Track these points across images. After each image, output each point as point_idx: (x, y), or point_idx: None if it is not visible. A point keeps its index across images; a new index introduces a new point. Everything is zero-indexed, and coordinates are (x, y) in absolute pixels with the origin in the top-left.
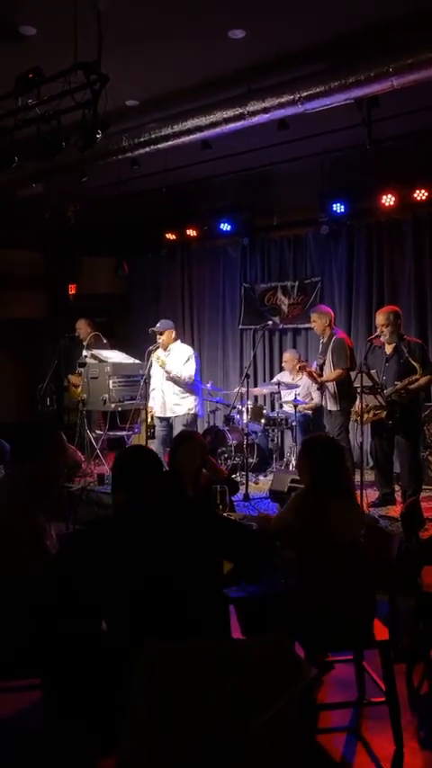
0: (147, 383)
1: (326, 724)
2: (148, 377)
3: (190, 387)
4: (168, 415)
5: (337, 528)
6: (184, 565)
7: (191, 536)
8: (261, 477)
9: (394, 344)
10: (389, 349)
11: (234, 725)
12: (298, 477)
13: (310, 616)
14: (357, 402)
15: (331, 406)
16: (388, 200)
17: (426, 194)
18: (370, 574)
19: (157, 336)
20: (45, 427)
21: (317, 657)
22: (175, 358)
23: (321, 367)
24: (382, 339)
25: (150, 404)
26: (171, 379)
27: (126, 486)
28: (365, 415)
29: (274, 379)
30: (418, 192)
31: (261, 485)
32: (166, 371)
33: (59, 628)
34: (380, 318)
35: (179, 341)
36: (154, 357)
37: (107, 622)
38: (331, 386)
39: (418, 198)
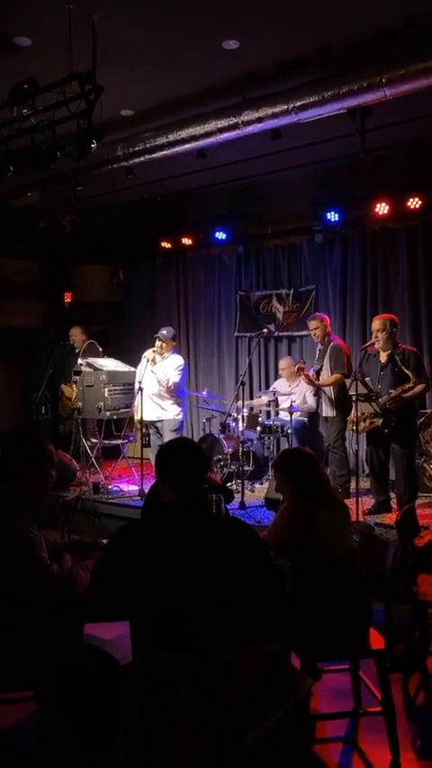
0: (141, 390)
1: (322, 734)
2: (140, 383)
3: (176, 394)
4: (154, 418)
5: (327, 536)
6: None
7: (229, 548)
8: (257, 485)
9: (389, 352)
10: (383, 357)
11: (230, 737)
12: None
13: (306, 626)
14: (353, 410)
15: (328, 412)
16: (381, 208)
17: (419, 203)
18: (365, 582)
19: (157, 342)
20: (33, 440)
21: (312, 667)
22: (167, 364)
23: (318, 373)
24: (376, 346)
25: (136, 403)
26: (157, 381)
27: (173, 484)
28: (362, 424)
29: (271, 387)
30: (411, 200)
31: (257, 492)
32: (153, 371)
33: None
34: (376, 324)
35: (174, 350)
36: (148, 353)
37: (133, 631)
38: (328, 391)
39: (412, 206)
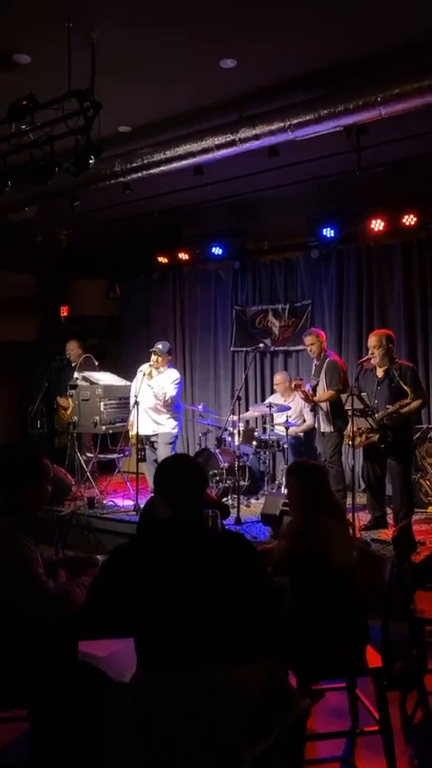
0: (137, 404)
1: (319, 754)
2: (137, 397)
3: (173, 408)
4: (149, 432)
5: (336, 546)
6: (216, 592)
7: (227, 565)
8: (253, 500)
9: (385, 368)
10: (380, 372)
11: (226, 756)
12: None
13: (303, 642)
14: (349, 425)
15: (324, 427)
16: (377, 224)
17: (414, 219)
18: (363, 598)
19: (153, 356)
20: (29, 455)
21: (309, 686)
22: (164, 378)
23: (315, 388)
24: (372, 362)
25: (131, 418)
26: (154, 395)
27: (171, 501)
28: (358, 439)
29: (266, 401)
30: (406, 217)
31: (253, 508)
32: (149, 385)
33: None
34: (372, 340)
35: (170, 365)
36: (144, 368)
37: (137, 647)
38: (324, 407)
39: (407, 223)
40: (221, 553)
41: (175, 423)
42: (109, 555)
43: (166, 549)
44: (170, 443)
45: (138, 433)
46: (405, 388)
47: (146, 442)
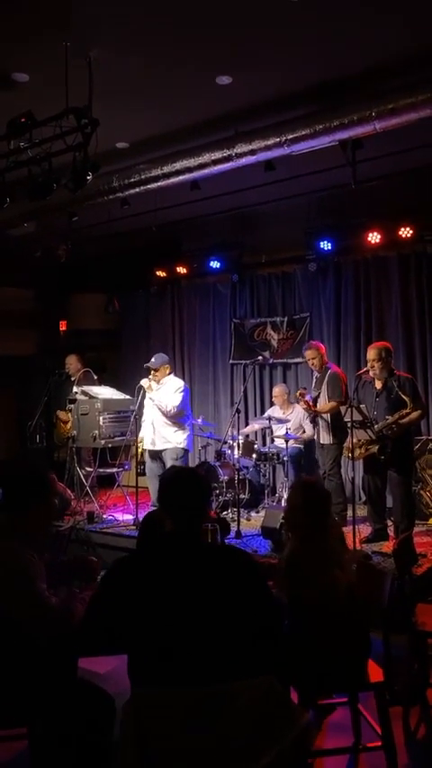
0: (137, 419)
1: None
2: (140, 412)
3: (179, 420)
4: (158, 447)
5: (335, 572)
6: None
7: (226, 579)
8: (253, 514)
9: (384, 380)
10: (378, 384)
11: None
12: None
13: (303, 658)
14: (348, 437)
15: (324, 439)
16: (374, 237)
17: (410, 232)
18: (364, 613)
19: (152, 372)
20: (36, 473)
21: (314, 701)
22: (165, 390)
23: (315, 400)
24: (371, 374)
25: (141, 434)
26: (159, 409)
27: (171, 513)
28: (358, 451)
29: (265, 414)
30: (402, 229)
31: (253, 521)
32: (151, 398)
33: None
34: (371, 353)
35: (172, 374)
36: (143, 382)
37: (130, 663)
38: (325, 418)
39: (403, 235)
40: (221, 567)
41: (184, 437)
42: (107, 569)
43: (164, 562)
44: (177, 459)
45: (142, 448)
46: (404, 398)
47: (155, 457)
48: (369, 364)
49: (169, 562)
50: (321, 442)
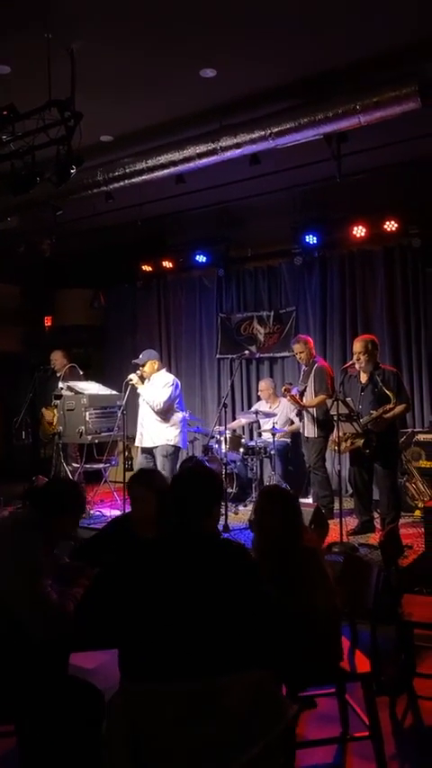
0: (124, 414)
1: (310, 761)
2: (126, 407)
3: (169, 417)
4: (148, 444)
5: (323, 577)
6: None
7: (224, 576)
8: (241, 508)
9: (369, 373)
10: (363, 378)
11: (215, 767)
12: None
13: (288, 651)
14: (335, 430)
15: (310, 432)
16: (359, 231)
17: (395, 225)
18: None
19: (140, 368)
20: (73, 488)
21: (297, 693)
22: (154, 386)
23: (302, 394)
24: (357, 367)
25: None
26: (148, 405)
27: (175, 510)
28: (344, 444)
29: (252, 409)
30: (387, 223)
31: (241, 515)
32: (140, 394)
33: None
34: (357, 346)
35: (163, 370)
36: (132, 377)
37: (122, 658)
38: (311, 412)
39: (388, 229)
40: (219, 565)
41: (175, 433)
42: (103, 566)
43: (163, 559)
44: (168, 456)
45: (136, 445)
46: (389, 393)
47: (142, 451)
48: (355, 357)
49: (168, 558)
50: (306, 435)
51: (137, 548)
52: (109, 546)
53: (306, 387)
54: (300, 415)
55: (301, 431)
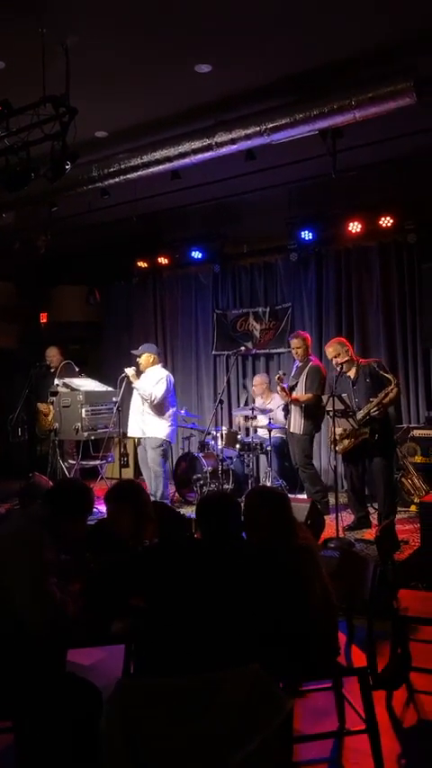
0: (120, 410)
1: (307, 755)
2: (121, 403)
3: (163, 411)
4: (139, 435)
5: (320, 575)
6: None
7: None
8: None
9: (355, 368)
10: (351, 374)
11: (212, 761)
12: None
13: (284, 645)
14: (331, 428)
15: (295, 428)
16: (354, 227)
17: (391, 221)
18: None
19: (137, 359)
20: (84, 491)
21: (293, 687)
22: (147, 379)
23: (292, 389)
24: (335, 365)
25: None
26: (141, 397)
27: (201, 529)
28: (346, 442)
29: (249, 405)
30: (383, 219)
31: None
32: (135, 387)
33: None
34: (330, 351)
35: (158, 365)
36: (127, 371)
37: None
38: (299, 408)
39: (384, 225)
40: (233, 572)
41: (164, 427)
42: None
43: (184, 562)
44: (156, 448)
45: (129, 437)
46: (387, 376)
47: (138, 444)
48: (333, 362)
49: (188, 564)
50: (292, 430)
51: (124, 550)
52: (92, 546)
53: (297, 383)
54: (286, 409)
55: (286, 426)
